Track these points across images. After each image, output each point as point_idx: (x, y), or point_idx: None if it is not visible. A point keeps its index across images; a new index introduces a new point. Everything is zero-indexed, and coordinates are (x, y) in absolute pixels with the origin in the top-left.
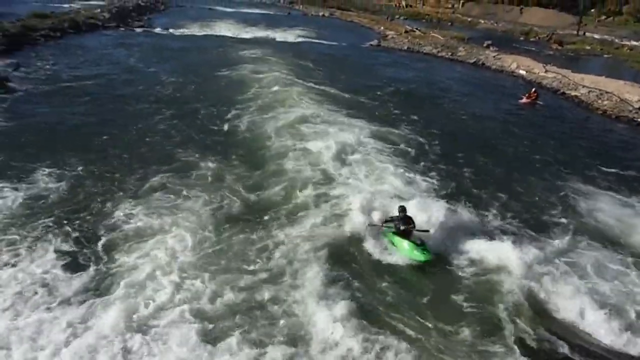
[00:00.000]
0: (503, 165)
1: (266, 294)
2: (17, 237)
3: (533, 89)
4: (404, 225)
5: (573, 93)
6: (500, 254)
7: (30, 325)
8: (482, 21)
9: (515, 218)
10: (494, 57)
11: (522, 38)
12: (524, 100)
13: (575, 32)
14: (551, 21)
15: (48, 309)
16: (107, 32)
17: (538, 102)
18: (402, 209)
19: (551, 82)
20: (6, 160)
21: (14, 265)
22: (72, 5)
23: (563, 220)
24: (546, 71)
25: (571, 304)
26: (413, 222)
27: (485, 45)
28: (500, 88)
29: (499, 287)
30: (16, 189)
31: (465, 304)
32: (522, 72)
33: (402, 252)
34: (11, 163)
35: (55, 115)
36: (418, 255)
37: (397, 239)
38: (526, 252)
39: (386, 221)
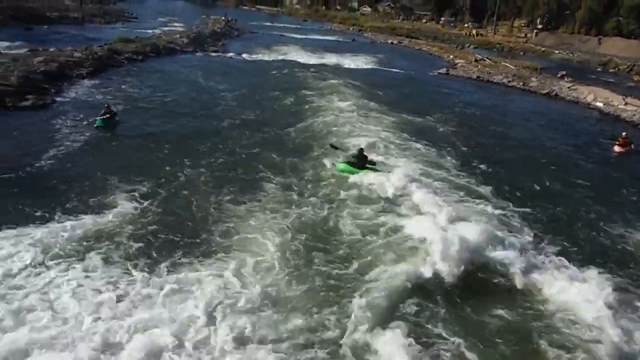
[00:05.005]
0: (574, 205)
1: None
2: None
3: (624, 134)
4: (358, 161)
5: None
6: (580, 297)
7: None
8: (557, 51)
9: (594, 262)
10: (568, 87)
11: (599, 69)
12: (617, 148)
13: None
14: (633, 52)
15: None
16: (185, 56)
17: (632, 147)
18: (360, 150)
19: (631, 116)
20: (116, 175)
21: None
22: (155, 31)
23: None
24: (626, 104)
25: None
26: (366, 160)
27: (559, 75)
28: (574, 121)
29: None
30: (128, 200)
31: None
32: (599, 104)
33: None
34: (121, 178)
35: (147, 131)
36: (352, 171)
37: (345, 167)
38: (600, 295)
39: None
